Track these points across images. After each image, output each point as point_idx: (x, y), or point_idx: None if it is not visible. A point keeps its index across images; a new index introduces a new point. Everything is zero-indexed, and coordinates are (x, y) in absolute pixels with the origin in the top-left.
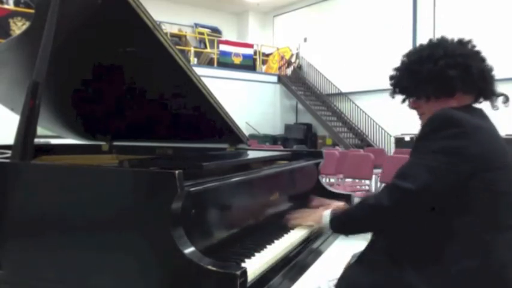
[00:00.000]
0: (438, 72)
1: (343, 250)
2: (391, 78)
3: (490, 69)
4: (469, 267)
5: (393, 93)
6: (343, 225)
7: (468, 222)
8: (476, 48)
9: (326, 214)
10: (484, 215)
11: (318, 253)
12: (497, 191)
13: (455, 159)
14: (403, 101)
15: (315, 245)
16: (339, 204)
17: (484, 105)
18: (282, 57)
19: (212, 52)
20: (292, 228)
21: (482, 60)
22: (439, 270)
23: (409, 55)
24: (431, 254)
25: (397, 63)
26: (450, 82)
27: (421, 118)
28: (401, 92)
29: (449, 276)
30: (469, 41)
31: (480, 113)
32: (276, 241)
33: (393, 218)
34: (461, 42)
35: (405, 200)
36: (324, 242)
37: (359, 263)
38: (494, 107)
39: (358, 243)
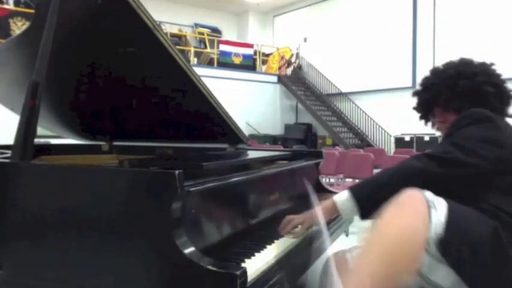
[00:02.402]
0: (476, 87)
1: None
2: (417, 93)
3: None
4: None
5: (420, 109)
6: (377, 190)
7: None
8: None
9: (342, 196)
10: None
11: (318, 252)
12: None
13: (494, 146)
14: (425, 118)
15: (316, 245)
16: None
17: None
18: (282, 57)
19: (212, 52)
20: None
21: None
22: None
23: (443, 71)
24: None
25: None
26: (486, 97)
27: (439, 127)
28: (430, 106)
29: None
30: (492, 64)
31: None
32: (276, 241)
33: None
34: (485, 64)
35: (454, 165)
36: (324, 241)
37: None
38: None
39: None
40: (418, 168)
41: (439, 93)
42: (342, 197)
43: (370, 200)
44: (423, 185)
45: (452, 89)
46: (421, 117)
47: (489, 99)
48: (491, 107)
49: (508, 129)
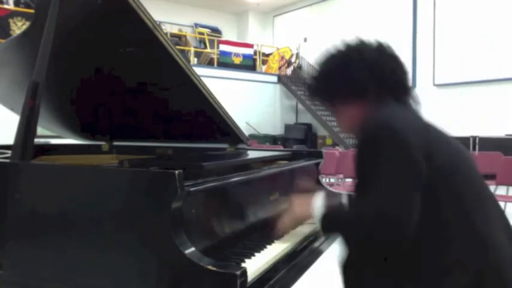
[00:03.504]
0: (347, 78)
1: None
2: (308, 87)
3: (402, 68)
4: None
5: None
6: (333, 229)
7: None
8: (393, 53)
9: (318, 208)
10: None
11: (318, 253)
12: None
13: (414, 164)
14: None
15: (316, 245)
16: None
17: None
18: (282, 57)
19: (212, 52)
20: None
21: (396, 61)
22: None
23: (322, 62)
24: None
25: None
26: (360, 85)
27: (339, 122)
28: (319, 99)
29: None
30: (388, 46)
31: (403, 104)
32: (276, 241)
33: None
34: (379, 47)
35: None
36: (324, 241)
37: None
38: (416, 103)
39: None
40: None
41: (318, 89)
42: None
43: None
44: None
45: (328, 83)
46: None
47: (365, 86)
48: (380, 90)
49: (414, 124)
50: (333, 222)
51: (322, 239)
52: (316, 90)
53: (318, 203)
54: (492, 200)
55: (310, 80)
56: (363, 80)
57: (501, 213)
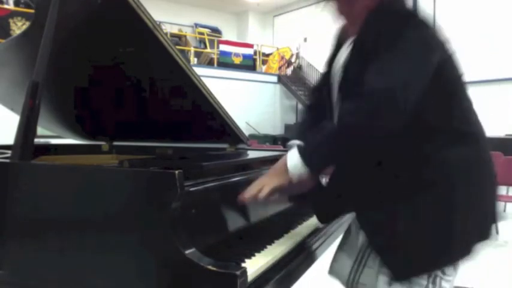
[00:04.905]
0: None
1: None
2: None
3: None
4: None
5: None
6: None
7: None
8: None
9: (294, 161)
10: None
11: (318, 253)
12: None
13: (427, 49)
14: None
15: (316, 245)
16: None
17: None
18: (282, 57)
19: (212, 52)
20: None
21: None
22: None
23: None
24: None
25: None
26: None
27: (344, 16)
28: None
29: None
30: None
31: None
32: (276, 241)
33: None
34: None
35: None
36: (324, 241)
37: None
38: None
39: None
40: (356, 130)
41: None
42: (294, 162)
43: (320, 166)
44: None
45: None
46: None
47: None
48: None
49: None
50: (318, 140)
51: (323, 238)
52: None
53: (290, 154)
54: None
55: None
56: None
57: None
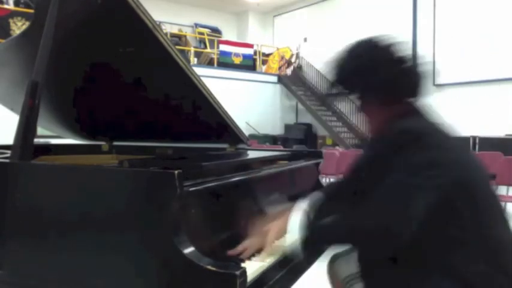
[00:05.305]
0: (392, 79)
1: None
2: (335, 73)
3: (422, 71)
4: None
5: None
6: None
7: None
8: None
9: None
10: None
11: (318, 253)
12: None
13: (436, 171)
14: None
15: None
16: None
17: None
18: (282, 57)
19: (212, 52)
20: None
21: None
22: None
23: (358, 55)
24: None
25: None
26: (401, 88)
27: (370, 124)
28: (348, 89)
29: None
30: (398, 43)
31: (428, 110)
32: (276, 241)
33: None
34: (390, 47)
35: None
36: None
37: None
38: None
39: None
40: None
41: (352, 81)
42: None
43: (316, 246)
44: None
45: (367, 80)
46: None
47: (405, 90)
48: (411, 94)
49: (447, 140)
50: (321, 234)
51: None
52: (348, 77)
53: (294, 218)
54: (498, 202)
55: (344, 62)
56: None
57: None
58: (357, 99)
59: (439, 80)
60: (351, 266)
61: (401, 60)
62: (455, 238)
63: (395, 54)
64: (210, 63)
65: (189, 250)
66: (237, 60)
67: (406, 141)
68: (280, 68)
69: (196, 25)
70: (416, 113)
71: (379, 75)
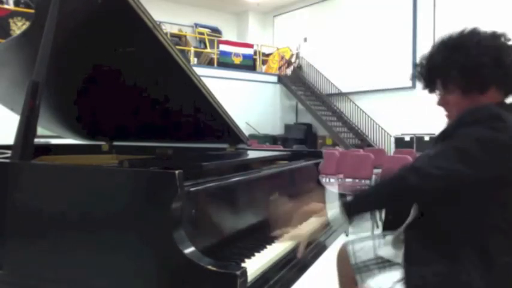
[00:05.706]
0: (471, 64)
1: None
2: (420, 65)
3: None
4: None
5: (420, 79)
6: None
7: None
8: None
9: (334, 212)
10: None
11: (319, 252)
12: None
13: (496, 155)
14: (429, 88)
15: (316, 244)
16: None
17: None
18: (282, 57)
19: (212, 52)
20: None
21: None
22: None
23: (443, 42)
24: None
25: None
26: (482, 75)
27: (448, 116)
28: (431, 78)
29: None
30: (503, 34)
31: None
32: (276, 241)
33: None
34: (494, 35)
35: (431, 186)
36: (324, 241)
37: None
38: None
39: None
40: (408, 186)
41: (441, 67)
42: (334, 213)
43: (360, 215)
44: (413, 201)
45: (448, 64)
46: (425, 86)
47: (487, 77)
48: (498, 84)
49: None
50: (359, 195)
51: (324, 238)
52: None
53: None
54: None
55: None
56: (484, 70)
57: None
58: (442, 88)
59: None
60: (366, 252)
61: (502, 47)
62: (495, 226)
63: (497, 43)
64: (210, 63)
65: (189, 250)
66: (237, 60)
67: (482, 115)
68: (280, 68)
69: (196, 25)
70: (500, 105)
71: (475, 57)
